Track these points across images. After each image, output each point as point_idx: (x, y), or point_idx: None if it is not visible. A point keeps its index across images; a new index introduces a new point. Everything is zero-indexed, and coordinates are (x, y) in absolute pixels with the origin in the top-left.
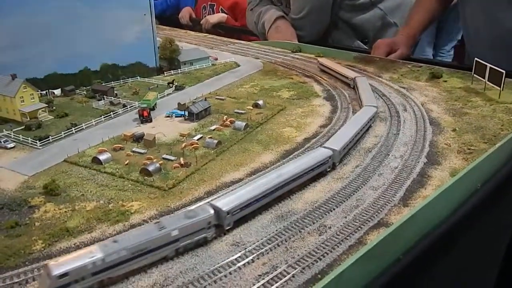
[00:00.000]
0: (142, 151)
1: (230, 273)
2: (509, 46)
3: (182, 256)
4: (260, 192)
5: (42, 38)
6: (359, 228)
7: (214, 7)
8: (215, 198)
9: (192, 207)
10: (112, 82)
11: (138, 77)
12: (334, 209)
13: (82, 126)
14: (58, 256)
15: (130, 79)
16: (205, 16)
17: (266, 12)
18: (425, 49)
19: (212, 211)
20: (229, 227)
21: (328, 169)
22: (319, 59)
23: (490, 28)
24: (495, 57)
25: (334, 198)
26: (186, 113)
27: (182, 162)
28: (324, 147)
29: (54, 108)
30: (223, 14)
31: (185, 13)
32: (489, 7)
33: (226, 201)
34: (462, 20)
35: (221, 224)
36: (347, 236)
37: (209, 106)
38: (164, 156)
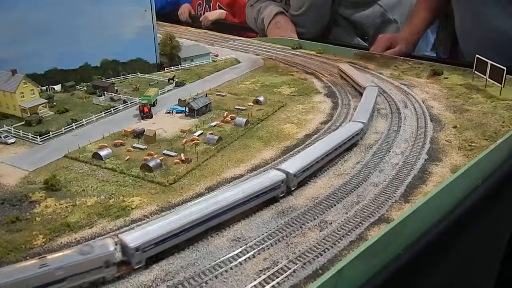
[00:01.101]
0: (143, 146)
1: (231, 268)
2: (497, 45)
3: (183, 251)
4: (180, 226)
5: (43, 33)
6: (360, 224)
7: (211, 4)
8: (126, 232)
9: (90, 243)
10: (113, 78)
11: (139, 73)
12: (335, 205)
13: (82, 122)
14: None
15: (130, 75)
16: (200, 13)
17: (266, 8)
18: None
19: (111, 248)
20: (139, 266)
21: (281, 195)
22: (339, 65)
23: (480, 27)
24: (485, 56)
25: (335, 194)
26: (187, 109)
27: (183, 158)
28: (278, 169)
29: (54, 103)
30: (222, 11)
31: (184, 10)
32: (478, 7)
33: (136, 236)
34: (455, 20)
35: (129, 262)
36: (348, 232)
37: (210, 102)
38: (165, 152)
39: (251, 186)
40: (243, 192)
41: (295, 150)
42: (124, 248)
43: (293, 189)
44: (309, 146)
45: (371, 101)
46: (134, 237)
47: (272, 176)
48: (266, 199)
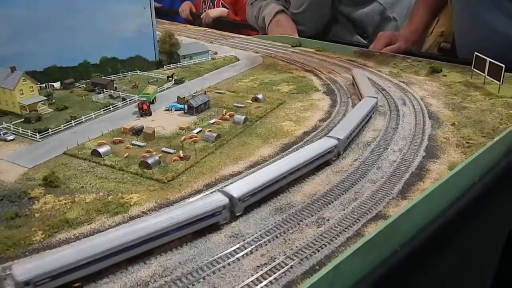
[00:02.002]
0: (142, 144)
1: (228, 264)
2: (492, 45)
3: (181, 247)
4: (85, 257)
5: (42, 31)
6: (357, 221)
7: (215, 1)
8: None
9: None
10: (112, 75)
11: (138, 71)
12: (332, 202)
13: (81, 119)
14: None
15: (129, 72)
16: (204, 10)
17: (266, 6)
18: None
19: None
20: None
21: (223, 221)
22: (353, 70)
23: (475, 27)
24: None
25: (332, 191)
26: (186, 106)
27: (182, 155)
28: (222, 191)
29: (53, 101)
30: (224, 9)
31: (185, 7)
32: (474, 7)
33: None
34: (453, 19)
35: None
36: (345, 228)
37: (209, 100)
38: (164, 149)
39: (180, 213)
40: (172, 220)
41: (293, 147)
42: (15, 281)
43: (238, 214)
44: (269, 164)
45: (359, 115)
46: (26, 269)
47: (213, 201)
48: (205, 225)
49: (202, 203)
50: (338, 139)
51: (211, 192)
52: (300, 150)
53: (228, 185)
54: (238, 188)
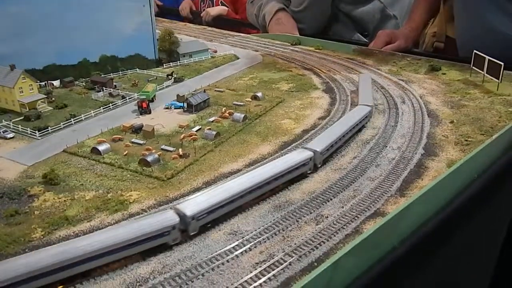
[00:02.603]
0: (141, 142)
1: (227, 261)
2: (491, 43)
3: (180, 244)
4: None
5: (41, 29)
6: (356, 218)
7: (214, 0)
8: None
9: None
10: (111, 73)
11: (137, 69)
12: (331, 199)
13: (81, 117)
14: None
15: (129, 71)
16: (204, 9)
17: (267, 4)
18: None
19: None
20: None
21: (174, 242)
22: (361, 75)
23: (475, 25)
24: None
25: (331, 189)
26: (185, 104)
27: (181, 153)
28: (175, 209)
29: (53, 99)
30: (224, 7)
31: (185, 5)
32: (473, 5)
33: None
34: (455, 18)
35: None
36: (344, 225)
37: (208, 98)
38: (163, 147)
39: (126, 232)
40: (116, 238)
41: (292, 145)
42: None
43: (192, 233)
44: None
45: (344, 126)
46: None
47: (162, 219)
48: (152, 245)
49: (150, 222)
50: (314, 151)
51: (163, 210)
52: (270, 162)
53: (183, 202)
54: (193, 205)
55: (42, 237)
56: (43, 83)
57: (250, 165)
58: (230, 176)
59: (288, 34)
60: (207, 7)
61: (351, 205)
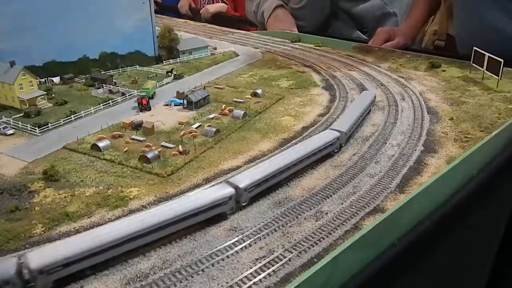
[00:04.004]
0: (141, 138)
1: (227, 256)
2: (489, 41)
3: (180, 240)
4: None
5: (41, 26)
6: (355, 214)
7: None
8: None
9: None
10: (111, 70)
11: (137, 66)
12: (331, 196)
13: (81, 114)
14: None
15: (129, 67)
16: (203, 6)
17: (265, 1)
18: None
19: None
20: None
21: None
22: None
23: (473, 23)
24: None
25: (331, 185)
26: (185, 101)
27: (181, 149)
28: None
29: (53, 95)
30: (223, 4)
31: (185, 2)
32: (472, 4)
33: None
34: (454, 15)
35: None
36: (343, 221)
37: (208, 95)
38: (163, 143)
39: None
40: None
41: (292, 142)
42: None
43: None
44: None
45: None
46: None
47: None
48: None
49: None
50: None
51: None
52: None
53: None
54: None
55: (42, 233)
56: (43, 79)
57: (250, 161)
58: (230, 173)
59: (287, 30)
60: (206, 4)
61: (351, 201)
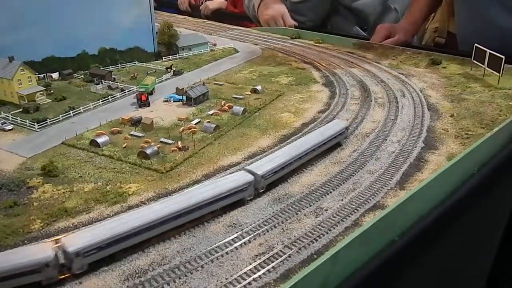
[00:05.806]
0: (140, 134)
1: (226, 253)
2: (490, 37)
3: (179, 236)
4: None
5: (40, 21)
6: (355, 211)
7: None
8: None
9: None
10: (110, 66)
11: (136, 62)
12: (331, 192)
13: (80, 110)
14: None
15: (128, 63)
16: (202, 2)
17: None
18: None
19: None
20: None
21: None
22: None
23: (474, 19)
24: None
25: (331, 182)
26: (184, 97)
27: (180, 145)
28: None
29: (52, 91)
30: (223, 0)
31: None
32: (473, 1)
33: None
34: (455, 11)
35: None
36: (343, 218)
37: (207, 91)
38: (162, 139)
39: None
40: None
41: (291, 138)
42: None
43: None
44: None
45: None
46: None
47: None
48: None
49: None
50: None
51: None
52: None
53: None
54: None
55: (41, 228)
56: (41, 75)
57: (250, 158)
58: (229, 169)
59: (277, 17)
60: (206, 1)
61: (351, 198)
